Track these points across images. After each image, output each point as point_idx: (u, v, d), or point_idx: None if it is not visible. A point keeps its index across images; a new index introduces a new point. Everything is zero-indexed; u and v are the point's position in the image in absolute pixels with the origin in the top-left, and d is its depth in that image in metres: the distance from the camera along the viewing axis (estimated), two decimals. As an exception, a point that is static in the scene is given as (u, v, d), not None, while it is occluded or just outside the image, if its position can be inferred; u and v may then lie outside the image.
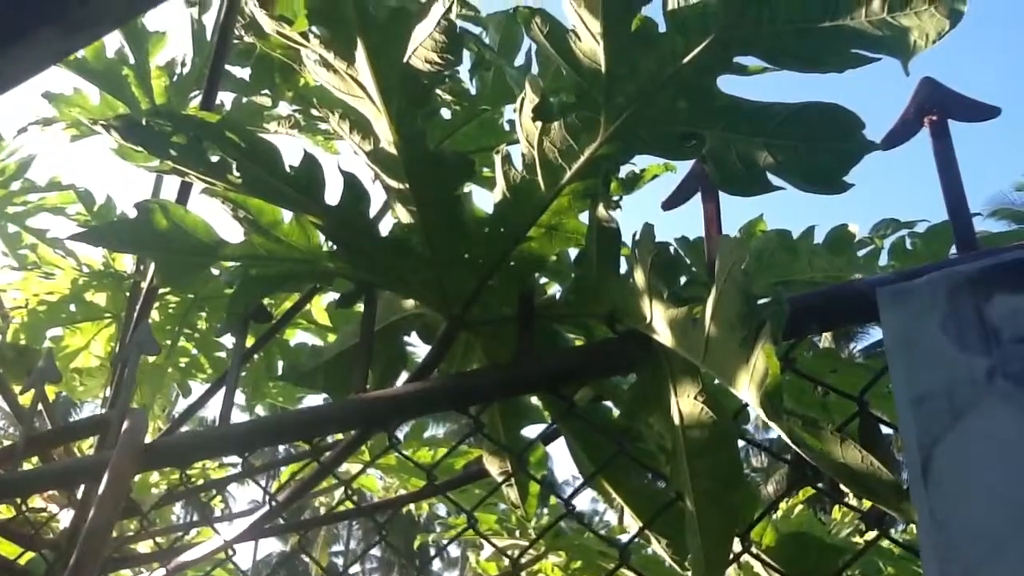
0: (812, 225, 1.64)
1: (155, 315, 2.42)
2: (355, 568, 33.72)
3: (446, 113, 1.93)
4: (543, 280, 1.29)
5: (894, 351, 0.83)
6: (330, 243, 1.21)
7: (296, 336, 2.53)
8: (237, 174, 1.12)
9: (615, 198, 1.08)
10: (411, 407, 1.11)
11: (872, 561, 2.40)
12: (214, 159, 1.11)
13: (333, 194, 1.12)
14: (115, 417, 1.36)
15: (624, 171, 1.19)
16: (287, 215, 1.19)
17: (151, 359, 2.37)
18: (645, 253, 0.85)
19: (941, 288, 0.84)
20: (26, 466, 1.59)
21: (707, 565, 0.80)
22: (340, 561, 33.48)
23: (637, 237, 0.88)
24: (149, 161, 1.12)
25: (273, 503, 1.26)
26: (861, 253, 1.66)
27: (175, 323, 2.38)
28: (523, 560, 2.74)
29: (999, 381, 0.79)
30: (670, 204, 1.08)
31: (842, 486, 0.71)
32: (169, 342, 2.38)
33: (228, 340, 2.60)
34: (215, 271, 2.27)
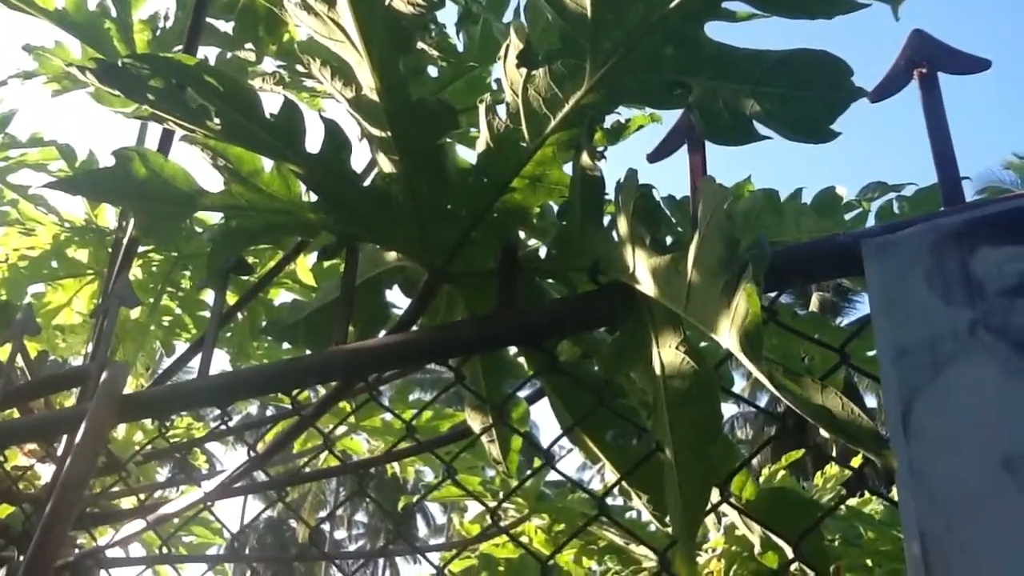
0: (800, 187, 1.63)
1: (138, 273, 2.40)
2: (341, 534, 33.93)
3: (433, 71, 1.90)
4: (532, 241, 1.27)
5: (877, 304, 0.83)
6: (311, 194, 1.19)
7: (280, 296, 2.52)
8: (216, 120, 1.10)
9: (600, 148, 1.07)
10: (391, 358, 1.10)
11: (853, 526, 2.42)
12: (194, 106, 1.09)
13: (314, 143, 1.10)
14: (94, 369, 1.35)
15: (609, 121, 1.18)
16: (268, 164, 1.17)
17: (133, 316, 2.35)
18: (628, 198, 0.84)
19: (926, 241, 0.83)
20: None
21: (685, 514, 0.80)
22: (327, 527, 33.69)
23: (621, 182, 0.86)
24: (127, 106, 1.09)
25: (252, 454, 1.25)
26: (848, 216, 1.65)
27: (158, 281, 2.36)
28: (506, 522, 2.76)
29: (981, 333, 0.78)
30: (656, 156, 1.06)
31: (823, 431, 0.70)
32: (152, 300, 2.36)
33: (212, 299, 2.59)
34: (199, 229, 2.25)
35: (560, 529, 2.86)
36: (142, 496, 1.93)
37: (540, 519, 2.82)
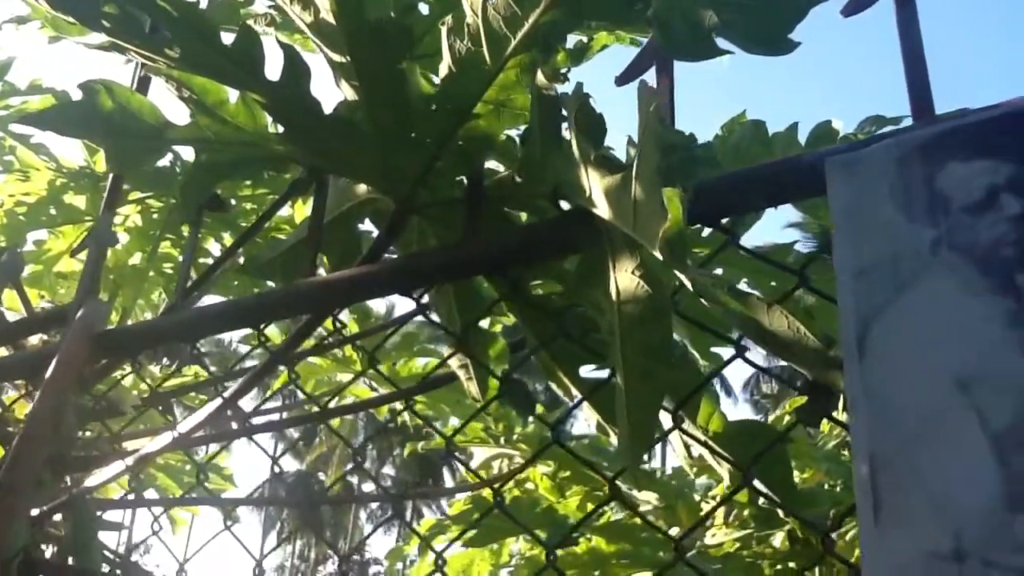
0: (795, 122, 1.58)
1: (138, 220, 2.39)
2: (369, 486, 34.38)
3: (424, 8, 1.85)
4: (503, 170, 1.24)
5: (839, 223, 0.79)
6: (279, 126, 1.17)
7: (279, 242, 2.50)
8: (175, 48, 1.07)
9: (563, 70, 1.03)
10: (358, 290, 1.09)
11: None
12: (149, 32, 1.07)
13: (274, 71, 1.08)
14: (73, 307, 1.34)
15: (573, 43, 1.14)
16: (233, 95, 1.15)
17: (132, 263, 2.35)
18: (572, 109, 0.81)
19: (892, 156, 0.80)
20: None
21: (633, 437, 0.78)
22: (355, 480, 34.15)
23: (566, 96, 0.83)
24: (84, 35, 1.07)
25: (223, 392, 1.24)
26: (845, 151, 1.60)
27: (157, 227, 2.35)
28: (511, 467, 2.76)
29: (944, 252, 0.75)
30: (625, 79, 1.03)
31: (774, 356, 0.67)
32: (151, 247, 2.35)
33: (215, 248, 2.58)
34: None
35: (566, 475, 2.87)
36: (138, 440, 1.93)
37: (545, 466, 2.82)
